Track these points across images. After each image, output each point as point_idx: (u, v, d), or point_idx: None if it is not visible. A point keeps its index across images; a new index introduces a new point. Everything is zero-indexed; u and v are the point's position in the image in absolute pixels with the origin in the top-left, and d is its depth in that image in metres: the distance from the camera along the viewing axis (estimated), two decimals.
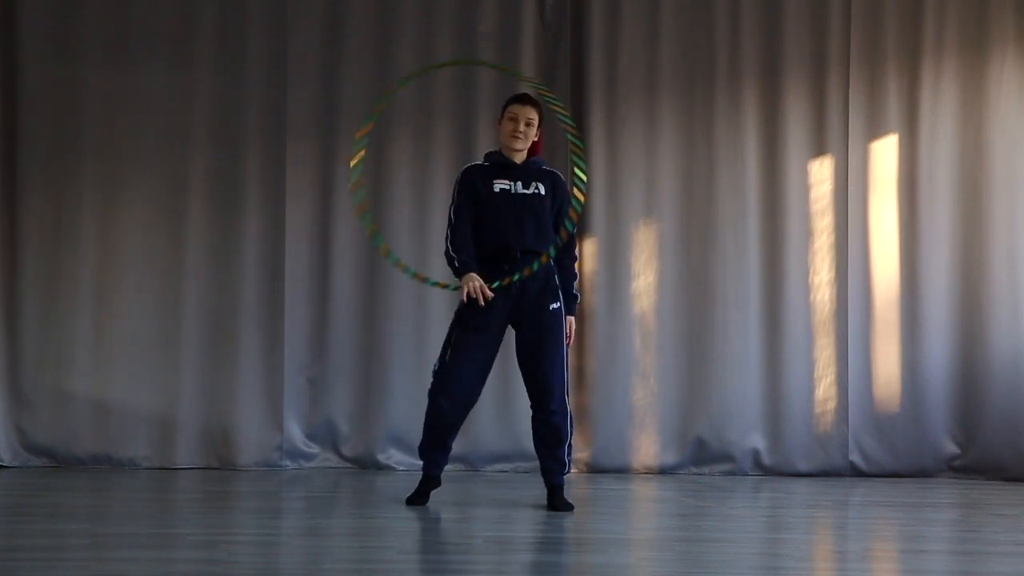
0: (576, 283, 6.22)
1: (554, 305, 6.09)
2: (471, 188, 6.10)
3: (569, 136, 6.22)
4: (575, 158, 6.23)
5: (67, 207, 7.49)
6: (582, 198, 6.17)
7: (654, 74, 7.69)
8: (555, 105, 6.22)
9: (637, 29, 7.68)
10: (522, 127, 6.11)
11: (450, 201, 6.19)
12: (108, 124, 7.51)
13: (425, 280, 6.18)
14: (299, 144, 7.58)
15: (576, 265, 6.24)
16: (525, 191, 6.10)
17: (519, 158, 6.17)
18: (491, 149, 6.33)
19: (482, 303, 5.96)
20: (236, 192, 7.55)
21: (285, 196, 7.56)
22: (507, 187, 6.09)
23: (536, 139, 6.17)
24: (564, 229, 6.09)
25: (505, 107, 6.18)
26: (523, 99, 6.18)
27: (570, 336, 6.18)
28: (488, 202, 6.07)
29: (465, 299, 5.98)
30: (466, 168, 6.23)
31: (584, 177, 6.20)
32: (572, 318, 6.19)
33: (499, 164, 6.16)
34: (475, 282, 5.95)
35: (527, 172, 6.15)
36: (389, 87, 7.57)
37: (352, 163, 6.05)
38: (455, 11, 7.64)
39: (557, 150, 7.63)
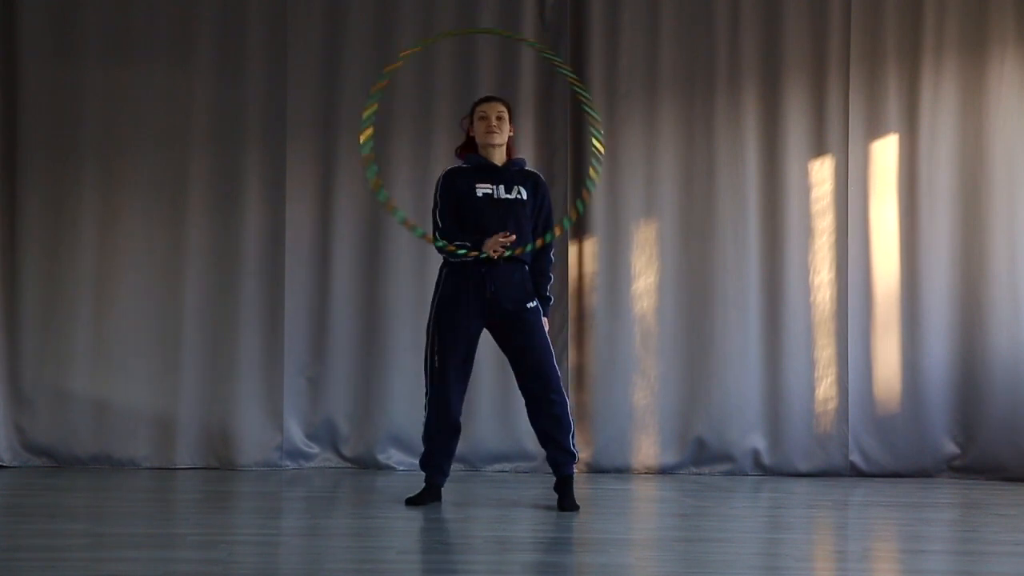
0: (549, 286, 6.24)
1: (531, 304, 6.12)
2: (454, 191, 6.12)
3: (585, 108, 6.26)
4: (593, 131, 6.24)
5: (67, 207, 7.49)
6: (596, 178, 6.21)
7: (654, 74, 7.69)
8: (569, 76, 6.34)
9: (637, 29, 7.68)
10: (494, 121, 6.13)
11: (432, 205, 6.21)
12: (108, 124, 7.52)
13: (413, 229, 6.17)
14: (299, 144, 7.58)
15: (551, 269, 6.26)
16: (508, 195, 6.11)
17: (499, 157, 6.18)
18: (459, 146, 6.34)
19: (506, 247, 5.97)
20: (236, 192, 7.55)
21: (285, 196, 7.56)
22: (490, 191, 6.10)
23: (510, 135, 6.21)
24: (576, 208, 6.21)
25: (472, 111, 6.21)
26: (488, 98, 6.25)
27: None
28: (471, 206, 6.08)
29: (495, 255, 5.96)
30: (447, 171, 6.25)
31: (601, 148, 6.20)
32: (546, 319, 6.20)
33: (480, 166, 6.16)
34: (490, 240, 5.96)
35: (509, 175, 6.16)
36: (388, 88, 7.57)
37: (362, 139, 6.02)
38: (455, 11, 7.64)
39: (557, 150, 7.64)
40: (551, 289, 6.27)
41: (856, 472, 7.61)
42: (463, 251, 6.02)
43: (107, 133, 7.52)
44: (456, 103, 7.59)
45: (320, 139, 7.60)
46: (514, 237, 6.01)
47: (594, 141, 6.21)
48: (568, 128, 7.67)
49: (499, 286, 6.06)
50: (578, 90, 6.30)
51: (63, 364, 7.47)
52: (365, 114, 6.01)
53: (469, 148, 6.23)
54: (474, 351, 6.17)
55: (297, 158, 7.58)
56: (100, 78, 7.52)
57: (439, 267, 6.23)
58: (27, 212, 7.48)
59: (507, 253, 6.00)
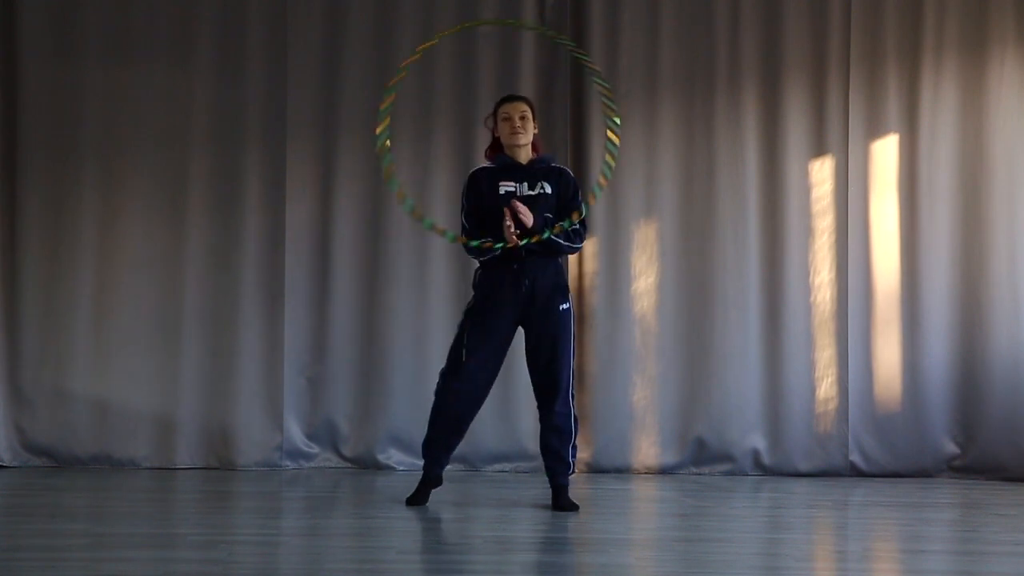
0: (573, 237, 6.10)
1: (564, 305, 6.10)
2: (477, 191, 6.12)
3: (604, 100, 6.17)
4: (609, 122, 6.13)
5: (67, 207, 7.49)
6: (612, 163, 6.10)
7: (654, 74, 7.69)
8: (585, 61, 6.33)
9: (637, 29, 7.68)
10: (518, 122, 6.13)
11: (460, 207, 6.22)
12: (108, 124, 7.51)
13: (444, 233, 6.12)
14: (299, 144, 7.58)
15: (569, 243, 6.11)
16: (531, 192, 6.10)
17: (524, 156, 6.18)
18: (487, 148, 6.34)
19: (511, 230, 5.91)
20: (236, 192, 7.55)
21: (285, 196, 7.56)
22: (512, 189, 6.09)
23: (535, 132, 6.20)
24: (585, 204, 6.11)
25: (496, 111, 6.21)
26: (510, 98, 6.24)
27: (522, 213, 5.98)
28: (494, 204, 6.05)
29: (512, 243, 5.91)
30: (473, 172, 6.25)
31: (616, 139, 6.11)
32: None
33: (505, 165, 6.16)
34: (507, 231, 5.91)
35: (533, 172, 6.14)
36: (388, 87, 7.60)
37: (378, 131, 5.99)
38: (455, 11, 7.63)
39: (557, 150, 7.63)
40: (572, 235, 6.09)
41: (856, 472, 7.61)
42: (475, 243, 5.96)
43: (107, 133, 7.52)
44: (456, 103, 7.60)
45: (320, 139, 7.60)
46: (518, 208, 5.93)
47: (609, 134, 6.15)
48: (568, 128, 7.67)
49: (534, 278, 6.03)
50: (600, 83, 6.24)
51: (63, 364, 7.47)
52: (383, 106, 5.99)
53: (497, 148, 6.24)
54: (504, 352, 6.14)
55: (297, 158, 7.58)
56: (100, 78, 7.52)
57: (474, 270, 6.22)
58: (27, 212, 7.48)
59: (523, 242, 5.94)
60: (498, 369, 6.16)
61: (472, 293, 6.19)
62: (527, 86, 7.56)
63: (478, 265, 6.19)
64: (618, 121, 6.14)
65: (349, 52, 7.61)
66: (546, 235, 5.96)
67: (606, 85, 6.24)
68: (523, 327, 6.15)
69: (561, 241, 6.07)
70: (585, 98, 7.67)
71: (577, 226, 6.11)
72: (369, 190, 7.58)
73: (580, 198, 6.21)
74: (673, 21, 7.70)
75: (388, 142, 6.01)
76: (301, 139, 7.58)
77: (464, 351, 6.08)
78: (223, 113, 7.56)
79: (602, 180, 6.14)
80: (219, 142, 7.55)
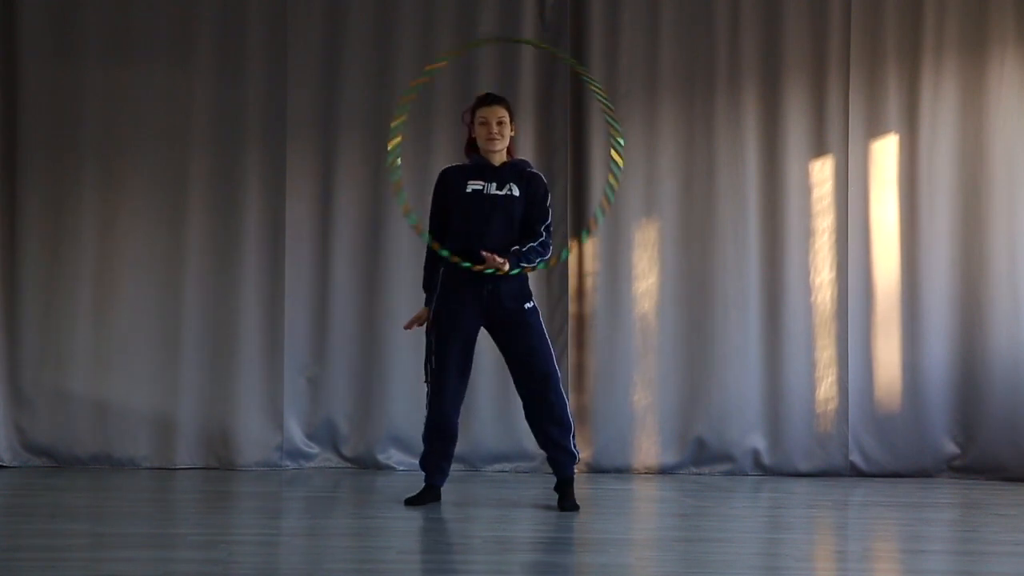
0: (530, 250, 6.07)
1: (528, 304, 6.11)
2: (443, 190, 6.20)
3: (607, 119, 6.22)
4: (613, 142, 6.19)
5: (67, 207, 7.49)
6: (615, 184, 6.15)
7: (654, 74, 7.69)
8: (593, 86, 6.26)
9: (637, 29, 7.68)
10: (495, 128, 6.13)
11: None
12: (108, 124, 7.52)
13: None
14: (299, 144, 7.58)
15: (542, 256, 6.11)
16: (498, 192, 6.12)
17: (499, 159, 6.19)
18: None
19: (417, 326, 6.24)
20: (236, 192, 7.55)
21: (285, 196, 7.56)
22: (480, 187, 6.12)
23: (512, 135, 6.20)
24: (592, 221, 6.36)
25: (473, 112, 6.20)
26: (489, 100, 6.20)
27: (499, 262, 5.94)
28: (459, 202, 6.12)
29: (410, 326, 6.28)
30: (443, 170, 6.30)
31: (620, 162, 6.16)
32: (503, 261, 5.96)
33: (479, 165, 6.19)
34: (416, 317, 6.24)
35: (504, 174, 6.16)
36: (388, 87, 7.59)
37: (390, 147, 6.04)
38: (455, 11, 7.64)
39: (557, 150, 7.64)
40: (531, 253, 6.07)
41: (856, 472, 7.61)
42: (445, 252, 6.00)
43: (107, 133, 7.52)
44: (456, 103, 7.58)
45: (320, 139, 7.60)
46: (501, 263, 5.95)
47: (613, 153, 6.18)
48: (568, 128, 7.67)
49: (496, 284, 6.05)
50: (602, 100, 6.25)
51: (63, 364, 7.47)
52: (394, 123, 6.03)
53: (474, 148, 6.25)
54: (472, 353, 6.18)
55: (297, 158, 7.58)
56: (100, 78, 7.52)
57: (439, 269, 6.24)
58: (27, 212, 7.48)
59: (491, 271, 5.95)
60: (470, 367, 6.18)
61: (435, 292, 6.15)
62: (527, 86, 7.57)
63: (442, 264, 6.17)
64: (622, 142, 6.16)
65: (349, 52, 7.62)
66: (515, 271, 5.99)
67: (609, 104, 6.26)
68: (490, 334, 6.17)
69: (531, 265, 6.07)
70: (585, 99, 7.66)
71: (543, 237, 6.13)
72: (369, 190, 7.59)
73: (550, 203, 6.22)
74: (673, 21, 7.70)
75: (399, 160, 6.04)
76: (301, 139, 7.58)
77: (435, 359, 6.11)
78: (223, 113, 7.56)
79: (605, 203, 6.20)
80: (219, 142, 7.56)
